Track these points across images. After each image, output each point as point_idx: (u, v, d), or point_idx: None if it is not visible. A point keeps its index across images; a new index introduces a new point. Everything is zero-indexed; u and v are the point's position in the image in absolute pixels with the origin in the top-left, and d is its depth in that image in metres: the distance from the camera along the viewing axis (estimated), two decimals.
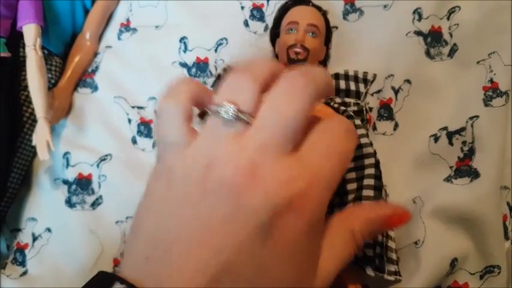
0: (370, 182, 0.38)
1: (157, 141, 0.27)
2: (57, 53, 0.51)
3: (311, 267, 0.24)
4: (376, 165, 0.39)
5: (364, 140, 0.40)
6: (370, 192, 0.38)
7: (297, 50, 0.40)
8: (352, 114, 0.41)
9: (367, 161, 0.39)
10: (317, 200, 0.23)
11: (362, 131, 0.40)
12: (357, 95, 0.44)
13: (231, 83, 0.25)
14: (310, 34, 0.41)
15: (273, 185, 0.22)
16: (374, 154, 0.39)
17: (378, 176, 0.39)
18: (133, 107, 0.49)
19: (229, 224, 0.22)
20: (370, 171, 0.38)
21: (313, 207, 0.23)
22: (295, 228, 0.22)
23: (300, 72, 0.25)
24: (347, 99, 0.44)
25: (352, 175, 0.40)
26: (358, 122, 0.40)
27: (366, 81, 0.44)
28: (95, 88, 0.51)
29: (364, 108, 0.43)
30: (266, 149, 0.23)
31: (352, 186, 0.39)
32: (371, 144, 0.40)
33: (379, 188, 0.38)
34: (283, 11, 0.44)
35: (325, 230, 0.26)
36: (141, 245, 0.24)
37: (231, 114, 0.23)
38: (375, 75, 0.45)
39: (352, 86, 0.44)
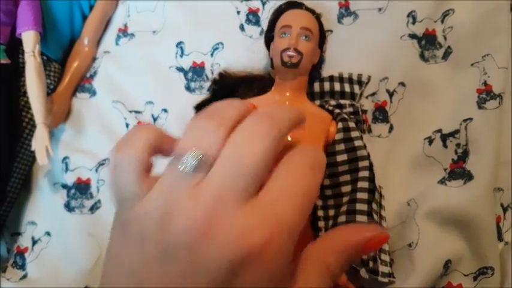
0: (364, 184, 0.39)
1: (112, 192, 0.26)
2: (56, 58, 0.52)
3: None
4: (370, 167, 0.39)
5: (358, 143, 0.40)
6: (364, 195, 0.38)
7: (290, 53, 0.40)
8: (346, 116, 0.41)
9: (361, 164, 0.39)
10: (278, 248, 0.22)
11: (356, 134, 0.40)
12: (352, 96, 0.44)
13: (194, 129, 0.25)
14: (304, 37, 0.41)
15: (230, 238, 0.21)
16: (368, 157, 0.39)
17: (371, 179, 0.39)
18: (131, 112, 0.49)
19: (186, 280, 0.21)
20: (364, 173, 0.39)
21: (274, 256, 0.22)
22: (254, 280, 0.21)
23: (264, 116, 0.24)
24: (342, 101, 0.44)
25: (347, 177, 0.40)
26: (352, 124, 0.41)
27: (360, 83, 0.45)
28: (93, 93, 0.51)
29: (359, 109, 0.43)
30: (223, 198, 0.22)
31: (346, 188, 0.40)
32: (365, 146, 0.40)
33: (372, 191, 0.39)
34: (276, 15, 0.44)
35: (299, 267, 0.25)
36: None
37: (191, 164, 0.23)
38: (369, 77, 0.45)
39: (347, 88, 0.44)
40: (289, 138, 0.32)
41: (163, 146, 0.26)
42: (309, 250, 0.26)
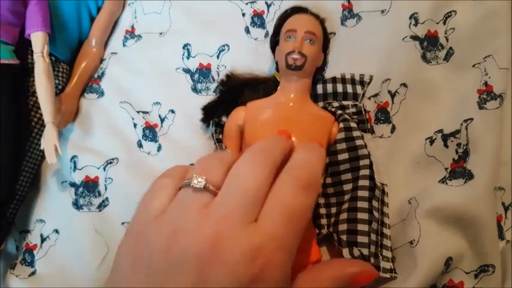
0: (364, 182, 0.39)
1: (138, 205, 0.28)
2: (64, 59, 0.53)
3: None
4: (370, 166, 0.40)
5: (359, 142, 0.41)
6: (365, 193, 0.39)
7: (295, 56, 0.41)
8: (347, 117, 0.42)
9: (362, 162, 0.40)
10: (281, 267, 0.23)
11: (357, 133, 0.41)
12: (355, 96, 0.45)
13: (202, 162, 0.27)
14: (308, 41, 0.42)
15: (236, 258, 0.22)
16: (368, 156, 0.40)
17: (372, 177, 0.40)
18: (138, 112, 0.50)
19: None
20: (365, 172, 0.40)
21: (277, 274, 0.23)
22: None
23: (260, 148, 0.27)
24: (345, 102, 0.45)
25: (348, 176, 0.41)
26: (353, 124, 0.42)
27: (362, 83, 0.46)
28: (101, 93, 0.52)
29: (362, 109, 0.44)
30: (230, 219, 0.23)
31: (348, 186, 0.41)
32: (365, 146, 0.41)
33: (373, 189, 0.39)
34: (282, 20, 0.45)
35: None
36: None
37: (200, 184, 0.25)
38: (371, 77, 0.46)
39: (349, 89, 0.45)
40: (294, 139, 0.34)
41: None
42: (304, 277, 0.28)
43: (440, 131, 0.44)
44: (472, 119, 0.43)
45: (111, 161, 0.48)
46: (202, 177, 0.25)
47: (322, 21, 0.45)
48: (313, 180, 0.27)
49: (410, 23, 0.48)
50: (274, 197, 0.25)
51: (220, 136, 0.46)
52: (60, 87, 0.51)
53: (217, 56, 0.51)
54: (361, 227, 0.38)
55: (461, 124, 0.43)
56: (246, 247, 0.23)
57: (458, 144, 0.43)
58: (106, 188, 0.48)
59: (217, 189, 0.25)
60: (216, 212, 0.24)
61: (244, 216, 0.24)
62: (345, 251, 0.38)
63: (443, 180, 0.42)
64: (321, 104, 0.45)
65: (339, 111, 0.43)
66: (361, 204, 0.39)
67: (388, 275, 0.38)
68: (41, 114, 0.47)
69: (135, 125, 0.50)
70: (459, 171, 0.42)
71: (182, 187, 0.26)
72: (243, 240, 0.23)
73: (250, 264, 0.22)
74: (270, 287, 0.23)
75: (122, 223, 0.46)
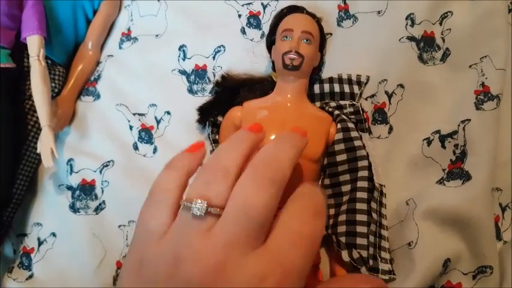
0: (363, 184, 0.39)
1: (138, 222, 0.27)
2: (60, 62, 0.53)
3: None
4: (369, 167, 0.40)
5: (357, 143, 0.41)
6: (363, 195, 0.39)
7: (292, 56, 0.41)
8: (345, 117, 0.42)
9: (360, 163, 0.40)
10: None
11: (355, 134, 0.41)
12: (352, 96, 0.45)
13: (203, 177, 0.26)
14: (305, 41, 0.42)
15: (242, 285, 0.21)
16: (367, 157, 0.40)
17: (370, 178, 0.40)
18: (134, 114, 0.50)
19: None
20: (364, 173, 0.40)
21: None
22: None
23: (266, 163, 0.25)
24: (342, 102, 0.45)
25: (347, 177, 0.41)
26: (351, 124, 0.41)
27: (359, 83, 0.45)
28: (97, 96, 0.52)
29: (360, 108, 0.44)
30: (234, 245, 0.22)
31: (346, 188, 0.41)
32: (364, 146, 0.41)
33: (371, 190, 0.39)
34: (278, 19, 0.45)
35: None
36: None
37: (201, 210, 0.23)
38: (368, 77, 0.46)
39: (346, 89, 0.45)
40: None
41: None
42: None
43: (438, 131, 0.44)
44: (469, 120, 0.43)
45: (107, 163, 0.48)
46: (203, 202, 0.24)
47: (318, 21, 0.45)
48: (320, 206, 0.26)
49: (406, 24, 0.47)
50: (283, 221, 0.24)
51: (217, 137, 0.45)
52: (56, 90, 0.51)
53: (213, 57, 0.50)
54: (360, 228, 0.38)
55: (459, 125, 0.43)
56: (253, 275, 0.22)
57: (456, 145, 0.43)
58: (103, 191, 0.48)
59: (221, 208, 0.24)
60: (219, 237, 0.23)
61: (250, 242, 0.23)
62: (344, 253, 0.38)
63: (440, 181, 0.42)
64: (318, 104, 0.45)
65: (337, 112, 0.43)
66: (360, 206, 0.39)
67: (386, 277, 0.38)
68: (37, 118, 0.47)
69: (131, 127, 0.50)
70: (457, 172, 0.42)
71: (182, 208, 0.25)
72: (250, 268, 0.22)
73: None
74: None
75: (119, 226, 0.46)
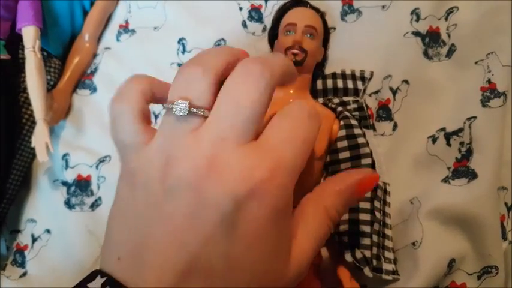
0: None
1: (115, 144, 0.27)
2: (56, 54, 0.52)
3: (282, 254, 0.24)
4: (372, 165, 0.39)
5: (360, 140, 0.40)
6: (367, 193, 0.38)
7: (295, 51, 0.40)
8: (348, 114, 0.41)
9: (364, 161, 0.39)
10: (280, 186, 0.23)
11: (358, 131, 0.40)
12: (356, 92, 0.44)
13: (183, 77, 0.25)
14: (308, 35, 0.41)
15: (233, 176, 0.22)
16: (370, 154, 0.39)
17: None
18: None
19: (193, 219, 0.22)
20: None
21: (276, 193, 0.23)
22: (259, 216, 0.22)
23: (255, 60, 0.24)
24: (345, 98, 0.44)
25: None
26: (354, 121, 0.40)
27: (363, 78, 0.44)
28: (93, 89, 0.51)
29: (364, 105, 0.43)
30: (223, 140, 0.23)
31: None
32: (367, 144, 0.40)
33: (375, 189, 0.38)
34: (281, 13, 0.44)
35: (298, 210, 0.27)
36: (112, 247, 0.25)
37: (184, 111, 0.23)
38: (371, 73, 0.45)
39: (350, 84, 0.44)
40: None
41: (158, 93, 0.27)
42: (307, 197, 0.27)
43: (443, 129, 0.43)
44: (475, 117, 0.42)
45: (104, 158, 0.47)
46: (184, 103, 0.23)
47: (322, 15, 0.44)
48: (315, 110, 0.26)
49: (411, 19, 0.47)
50: (275, 122, 0.25)
51: None
52: (52, 83, 0.50)
53: None
54: (363, 228, 0.37)
55: (465, 122, 0.42)
56: (244, 167, 0.22)
57: (462, 143, 0.42)
58: (99, 187, 0.47)
59: (205, 108, 0.24)
60: (208, 134, 0.23)
61: (239, 138, 0.23)
62: (347, 253, 0.37)
63: (446, 180, 0.41)
64: (320, 100, 0.44)
65: (340, 108, 0.42)
66: (363, 204, 0.38)
67: (390, 277, 0.37)
68: (32, 111, 0.46)
69: None
70: (462, 170, 0.41)
71: (166, 111, 0.25)
72: (240, 160, 0.22)
73: (248, 184, 0.22)
74: (269, 206, 0.22)
75: None
